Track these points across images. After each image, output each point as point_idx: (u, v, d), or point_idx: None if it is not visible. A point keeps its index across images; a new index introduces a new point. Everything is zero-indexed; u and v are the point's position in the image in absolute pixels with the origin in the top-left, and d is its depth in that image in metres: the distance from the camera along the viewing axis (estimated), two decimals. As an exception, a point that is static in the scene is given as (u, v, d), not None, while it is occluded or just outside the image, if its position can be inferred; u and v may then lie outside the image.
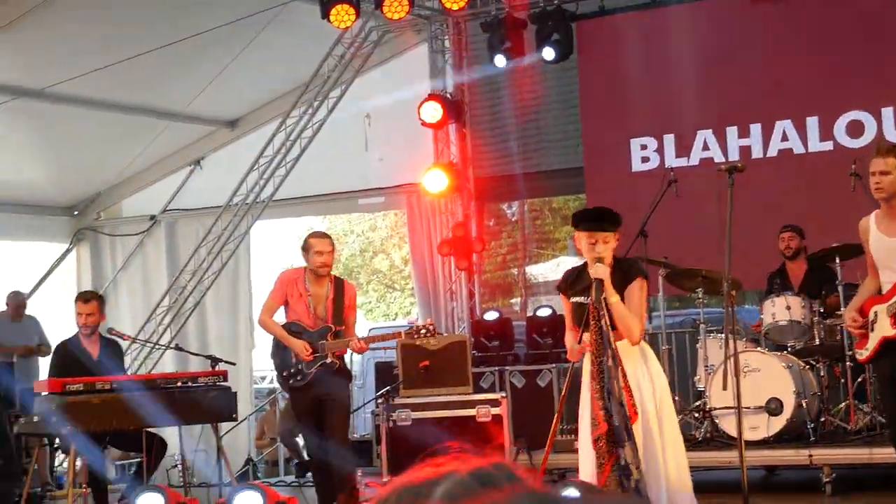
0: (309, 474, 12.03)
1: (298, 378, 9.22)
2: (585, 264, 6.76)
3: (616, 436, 6.32)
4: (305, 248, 9.45)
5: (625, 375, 6.41)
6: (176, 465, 9.88)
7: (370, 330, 17.80)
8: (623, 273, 6.75)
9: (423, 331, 9.63)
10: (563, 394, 6.80)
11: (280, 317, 9.49)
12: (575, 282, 6.91)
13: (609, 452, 6.31)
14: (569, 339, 6.91)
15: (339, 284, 9.57)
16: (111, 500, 9.65)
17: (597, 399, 6.41)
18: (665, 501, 6.49)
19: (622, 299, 6.66)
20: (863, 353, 7.19)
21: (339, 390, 9.46)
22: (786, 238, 10.84)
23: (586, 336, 6.54)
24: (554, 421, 6.87)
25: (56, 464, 12.56)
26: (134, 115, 14.21)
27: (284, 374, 9.32)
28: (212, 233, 14.31)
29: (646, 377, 6.67)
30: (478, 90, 14.00)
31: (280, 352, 9.37)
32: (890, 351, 6.95)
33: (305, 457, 12.06)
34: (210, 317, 15.02)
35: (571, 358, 6.84)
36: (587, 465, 6.69)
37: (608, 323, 6.46)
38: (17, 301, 13.40)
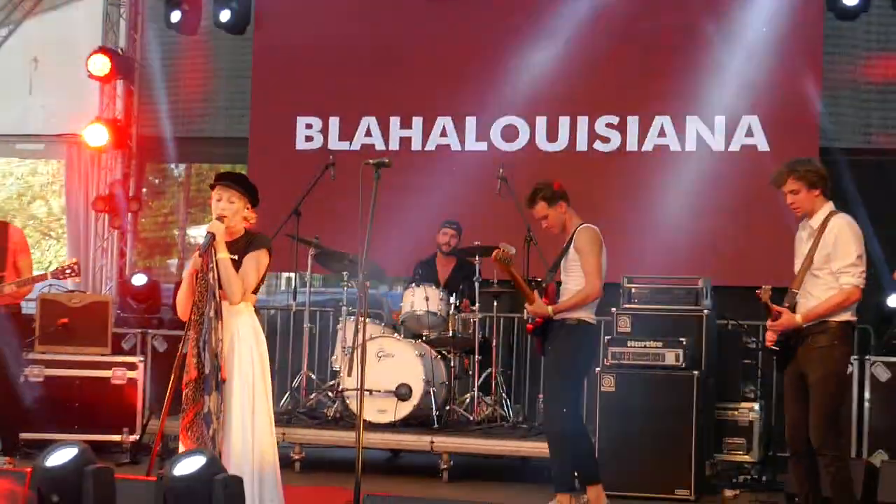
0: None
1: None
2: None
3: (204, 384, 6.37)
4: None
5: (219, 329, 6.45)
6: None
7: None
8: (248, 242, 6.67)
9: (67, 270, 9.43)
10: (178, 355, 6.73)
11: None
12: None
13: (195, 400, 6.37)
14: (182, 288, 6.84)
15: (2, 229, 9.34)
16: None
17: (192, 347, 6.43)
18: (250, 466, 6.56)
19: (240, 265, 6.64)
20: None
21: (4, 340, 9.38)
22: (448, 234, 11.09)
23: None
24: (170, 384, 6.81)
25: None
26: None
27: None
28: None
29: (248, 344, 6.70)
30: (151, 50, 13.76)
31: None
32: None
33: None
34: None
35: (183, 317, 6.80)
36: None
37: (216, 277, 6.46)
38: None
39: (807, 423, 7.27)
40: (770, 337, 7.52)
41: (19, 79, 13.44)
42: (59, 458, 6.15)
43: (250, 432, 6.57)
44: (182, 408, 6.48)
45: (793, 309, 7.35)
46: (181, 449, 6.50)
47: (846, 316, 7.33)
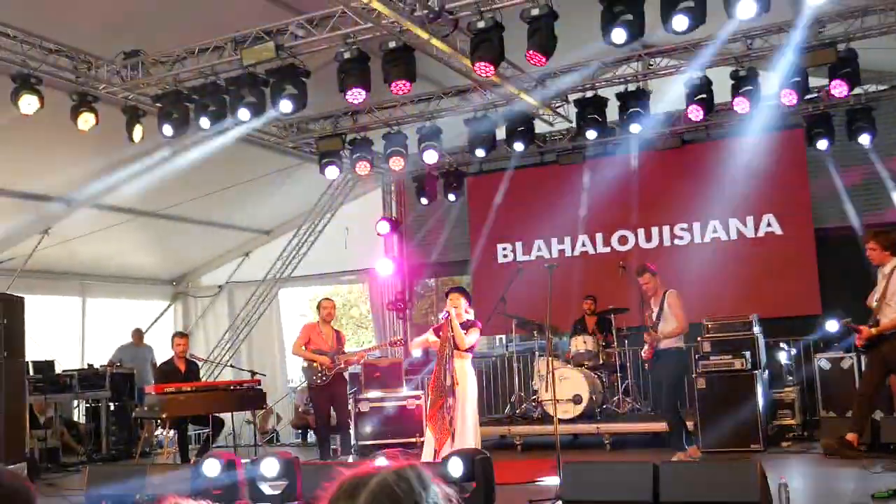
0: (311, 437, 12.06)
1: (323, 378, 9.32)
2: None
3: (444, 390, 6.97)
4: (318, 307, 9.79)
5: (452, 364, 7.10)
6: (231, 433, 9.77)
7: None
8: (468, 322, 7.28)
9: (396, 341, 10.27)
10: (432, 379, 7.22)
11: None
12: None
13: (439, 397, 7.01)
14: (419, 338, 7.73)
15: (337, 331, 9.70)
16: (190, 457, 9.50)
17: (438, 370, 7.14)
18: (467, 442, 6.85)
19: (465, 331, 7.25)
20: None
21: (343, 390, 9.65)
22: (589, 302, 11.07)
23: (433, 337, 7.40)
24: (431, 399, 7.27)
25: (157, 433, 12.33)
26: (210, 226, 14.11)
27: (314, 377, 9.36)
28: (255, 295, 14.25)
29: (463, 375, 7.15)
30: (410, 215, 14.09)
31: (309, 365, 9.49)
32: None
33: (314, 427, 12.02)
34: (254, 345, 14.85)
35: (414, 347, 8.00)
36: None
37: (452, 333, 7.13)
38: (139, 335, 13.25)
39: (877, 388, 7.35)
40: (858, 342, 7.52)
41: (339, 239, 13.86)
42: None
43: (471, 421, 7.01)
44: (432, 401, 7.11)
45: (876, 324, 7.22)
46: (427, 430, 6.91)
47: None
